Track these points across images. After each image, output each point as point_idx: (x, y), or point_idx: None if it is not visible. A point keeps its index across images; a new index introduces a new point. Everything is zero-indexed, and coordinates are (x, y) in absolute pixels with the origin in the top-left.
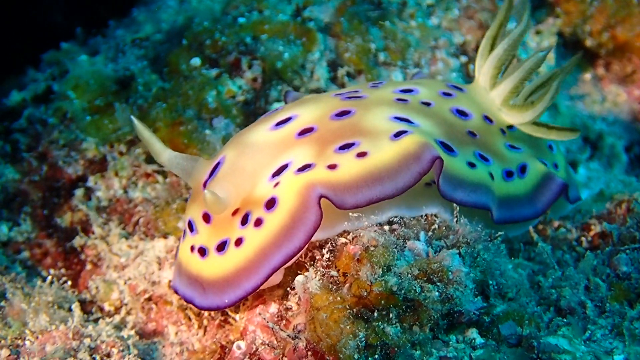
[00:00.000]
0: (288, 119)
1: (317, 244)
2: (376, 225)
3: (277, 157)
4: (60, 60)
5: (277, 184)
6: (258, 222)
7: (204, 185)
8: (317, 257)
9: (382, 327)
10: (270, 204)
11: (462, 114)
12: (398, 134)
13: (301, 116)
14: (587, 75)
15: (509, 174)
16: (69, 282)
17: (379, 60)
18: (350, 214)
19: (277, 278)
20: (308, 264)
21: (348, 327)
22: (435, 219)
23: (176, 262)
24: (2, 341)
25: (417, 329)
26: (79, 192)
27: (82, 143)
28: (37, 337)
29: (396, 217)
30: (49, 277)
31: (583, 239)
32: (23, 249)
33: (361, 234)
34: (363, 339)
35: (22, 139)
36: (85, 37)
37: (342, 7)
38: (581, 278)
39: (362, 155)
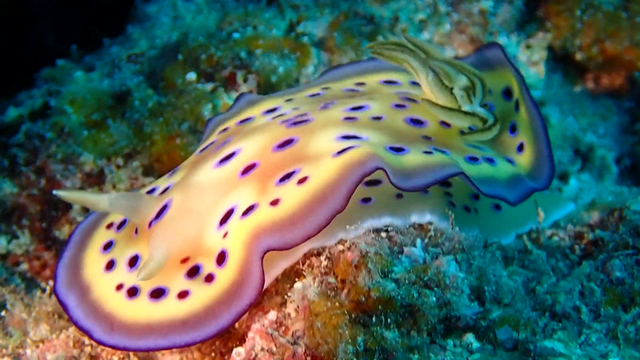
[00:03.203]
0: (232, 155)
1: (315, 251)
2: (373, 233)
3: (222, 200)
4: (56, 76)
5: (225, 234)
6: (209, 278)
7: (150, 224)
8: (315, 265)
9: (380, 332)
10: (221, 258)
11: (416, 122)
12: (342, 151)
13: (244, 151)
14: (577, 89)
15: (472, 159)
16: None
17: None
18: (347, 226)
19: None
20: (306, 271)
21: (347, 332)
22: (430, 226)
23: (81, 285)
24: (4, 350)
25: (415, 333)
26: (77, 205)
27: (80, 157)
28: (37, 346)
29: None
30: (48, 288)
31: (576, 247)
32: (22, 261)
33: (358, 242)
34: (362, 343)
35: (20, 154)
36: (80, 55)
37: (335, 22)
38: (575, 284)
39: (302, 181)
